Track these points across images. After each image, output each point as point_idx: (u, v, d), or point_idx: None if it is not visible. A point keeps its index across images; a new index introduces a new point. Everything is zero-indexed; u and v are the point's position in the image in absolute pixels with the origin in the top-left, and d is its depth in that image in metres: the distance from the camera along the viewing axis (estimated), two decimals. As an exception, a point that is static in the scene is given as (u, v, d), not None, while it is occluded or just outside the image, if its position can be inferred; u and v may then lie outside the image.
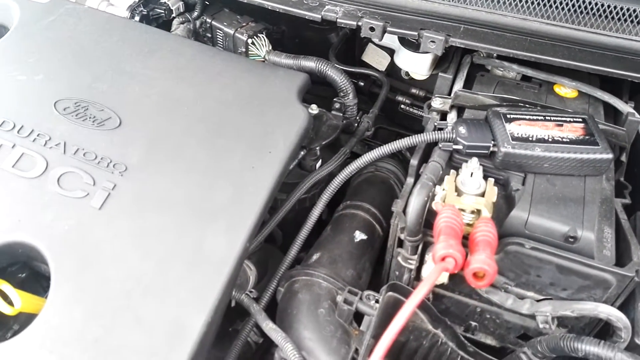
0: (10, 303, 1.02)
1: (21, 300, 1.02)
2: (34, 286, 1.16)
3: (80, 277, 1.01)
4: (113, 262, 1.03)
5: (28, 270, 1.15)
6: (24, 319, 1.08)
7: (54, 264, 1.02)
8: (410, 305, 0.87)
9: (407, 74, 1.76)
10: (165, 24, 1.68)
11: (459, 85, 1.41)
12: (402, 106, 1.84)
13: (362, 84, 1.85)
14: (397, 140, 1.24)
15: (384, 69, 1.82)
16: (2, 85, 1.30)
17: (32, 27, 1.45)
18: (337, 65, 1.57)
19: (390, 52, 1.75)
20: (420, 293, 0.87)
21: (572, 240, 1.06)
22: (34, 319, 0.96)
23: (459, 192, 1.12)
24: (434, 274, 0.91)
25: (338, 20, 1.38)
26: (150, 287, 1.01)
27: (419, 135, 1.23)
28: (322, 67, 1.50)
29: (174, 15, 1.68)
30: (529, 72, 1.42)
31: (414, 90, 1.80)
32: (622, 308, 1.09)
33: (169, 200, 1.12)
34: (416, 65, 1.58)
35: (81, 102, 1.25)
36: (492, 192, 1.10)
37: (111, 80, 1.31)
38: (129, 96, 1.28)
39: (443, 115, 1.37)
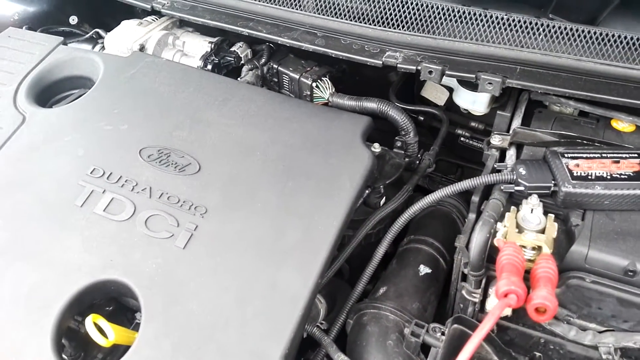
0: (105, 335, 1.11)
1: (114, 334, 1.12)
2: (120, 318, 1.25)
3: (168, 311, 1.10)
4: (197, 298, 1.12)
5: (115, 304, 1.25)
6: (107, 350, 1.18)
7: (144, 300, 1.11)
8: (476, 339, 0.93)
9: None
10: (235, 71, 1.77)
11: (517, 122, 1.45)
12: (462, 139, 1.88)
13: (421, 118, 1.90)
14: (459, 182, 1.30)
15: (442, 104, 1.86)
16: (91, 135, 1.42)
17: (115, 80, 1.57)
18: (398, 104, 1.63)
19: (449, 87, 1.79)
20: (485, 327, 0.93)
21: (631, 273, 1.09)
22: (126, 351, 1.05)
23: (519, 228, 1.16)
24: (497, 309, 0.97)
25: (398, 65, 1.44)
26: (231, 321, 1.09)
27: (480, 177, 1.28)
28: (383, 107, 1.56)
29: (242, 62, 1.77)
30: (586, 108, 1.45)
31: (473, 124, 1.84)
32: (686, 339, 1.12)
33: (246, 240, 1.20)
34: (475, 103, 1.63)
35: (163, 149, 1.36)
36: (553, 229, 1.14)
37: (190, 129, 1.42)
38: (206, 143, 1.38)
39: (502, 151, 1.41)
